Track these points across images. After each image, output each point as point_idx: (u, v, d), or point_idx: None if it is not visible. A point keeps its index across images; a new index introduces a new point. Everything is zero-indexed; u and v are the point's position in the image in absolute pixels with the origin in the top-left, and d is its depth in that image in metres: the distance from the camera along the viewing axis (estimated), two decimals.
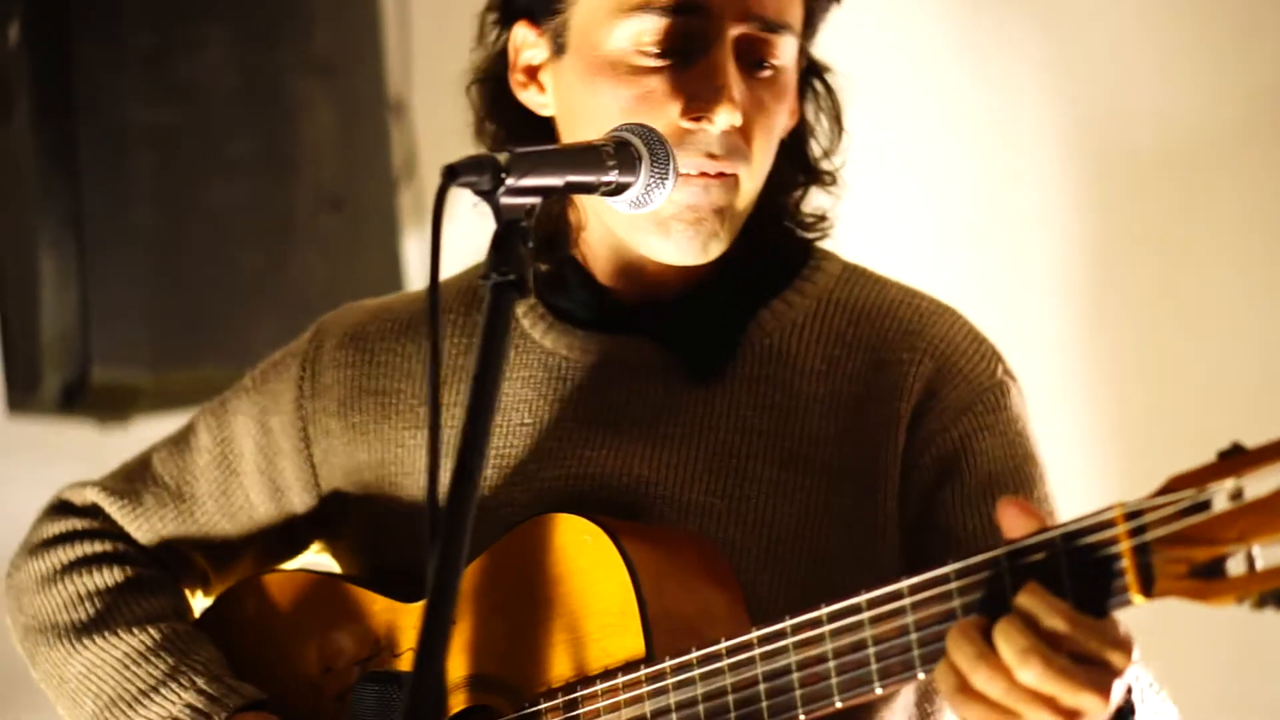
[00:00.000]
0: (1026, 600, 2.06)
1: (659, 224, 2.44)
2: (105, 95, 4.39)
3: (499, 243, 2.14)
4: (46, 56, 4.39)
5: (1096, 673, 2.05)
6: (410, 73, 4.76)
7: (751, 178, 2.47)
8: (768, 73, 2.47)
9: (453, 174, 2.13)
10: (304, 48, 4.53)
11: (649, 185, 2.31)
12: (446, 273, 2.26)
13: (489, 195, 2.15)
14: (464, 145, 2.57)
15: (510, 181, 2.15)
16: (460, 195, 2.19)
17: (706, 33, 2.43)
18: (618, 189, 2.30)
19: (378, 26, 4.69)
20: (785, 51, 2.47)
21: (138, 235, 4.43)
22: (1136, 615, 2.08)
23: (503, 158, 2.15)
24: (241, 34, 4.49)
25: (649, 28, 2.43)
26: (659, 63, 2.44)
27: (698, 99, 2.41)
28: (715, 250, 2.47)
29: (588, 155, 2.28)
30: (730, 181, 2.45)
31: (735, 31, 2.44)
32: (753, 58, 2.45)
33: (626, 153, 2.29)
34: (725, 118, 2.41)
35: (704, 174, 2.43)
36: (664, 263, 2.48)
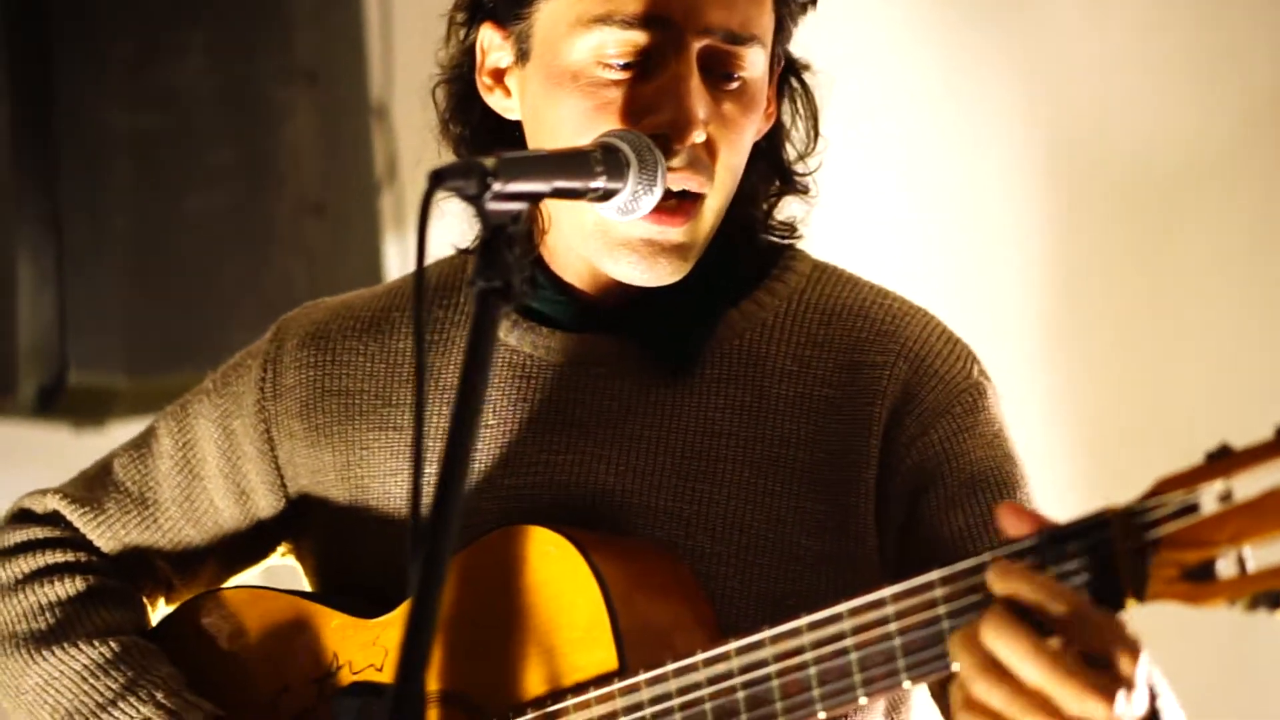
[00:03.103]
0: (1026, 588, 2.03)
1: (611, 250, 2.41)
2: (85, 101, 4.38)
3: (485, 248, 2.10)
4: (26, 63, 4.38)
5: (1101, 675, 2.01)
6: (392, 78, 4.74)
7: (716, 195, 2.42)
8: (735, 85, 2.41)
9: (438, 179, 2.10)
10: (285, 53, 4.52)
11: (637, 191, 2.30)
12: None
13: (475, 200, 2.11)
14: (446, 150, 2.55)
15: (497, 187, 2.11)
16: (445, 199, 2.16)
17: (669, 46, 2.37)
18: (605, 195, 2.28)
19: (360, 32, 4.68)
20: (753, 62, 2.41)
21: (116, 240, 4.41)
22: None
23: (489, 162, 2.11)
24: (222, 40, 4.47)
25: (610, 40, 2.38)
26: (621, 75, 2.38)
27: (660, 114, 2.36)
28: (673, 277, 2.42)
29: (576, 161, 2.27)
30: (693, 210, 2.40)
31: (699, 45, 2.38)
32: (719, 70, 2.40)
33: (615, 159, 2.28)
34: (689, 137, 2.37)
35: (663, 213, 2.37)
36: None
